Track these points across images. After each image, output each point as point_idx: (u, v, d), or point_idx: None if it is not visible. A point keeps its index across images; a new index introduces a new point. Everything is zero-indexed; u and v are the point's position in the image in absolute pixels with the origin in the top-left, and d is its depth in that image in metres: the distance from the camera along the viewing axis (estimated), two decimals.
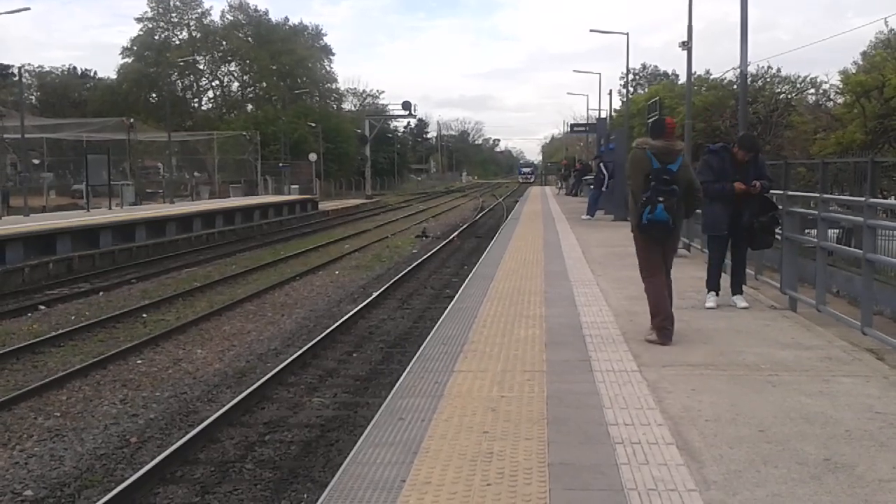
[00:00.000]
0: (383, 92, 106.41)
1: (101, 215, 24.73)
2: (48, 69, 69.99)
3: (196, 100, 76.85)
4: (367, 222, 34.46)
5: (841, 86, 35.99)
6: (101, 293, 15.51)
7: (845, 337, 6.61)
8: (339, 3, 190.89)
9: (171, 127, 45.90)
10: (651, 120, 10.28)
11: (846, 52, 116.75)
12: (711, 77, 47.76)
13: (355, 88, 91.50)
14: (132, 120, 41.73)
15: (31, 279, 16.93)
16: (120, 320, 12.53)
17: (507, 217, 26.57)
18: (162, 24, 73.19)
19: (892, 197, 17.40)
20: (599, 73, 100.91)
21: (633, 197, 6.62)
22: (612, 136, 25.45)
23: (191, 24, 73.88)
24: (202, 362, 10.00)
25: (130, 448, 7.02)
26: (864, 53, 42.36)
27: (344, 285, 16.29)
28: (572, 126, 55.33)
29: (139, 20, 72.56)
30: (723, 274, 8.19)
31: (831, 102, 39.71)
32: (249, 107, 73.82)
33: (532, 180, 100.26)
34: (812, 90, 43.60)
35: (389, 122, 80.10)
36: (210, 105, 77.10)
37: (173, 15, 73.20)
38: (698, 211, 8.45)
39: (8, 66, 39.19)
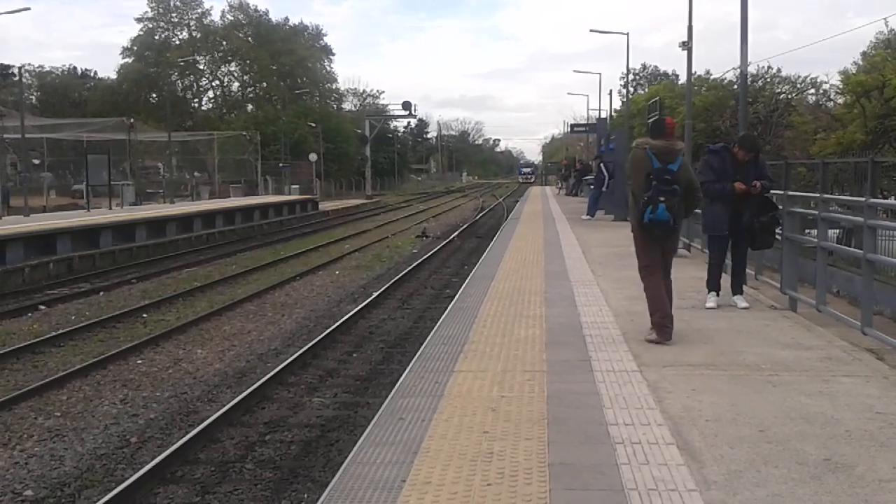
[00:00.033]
0: (383, 92, 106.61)
1: (102, 215, 24.74)
2: (48, 69, 70.14)
3: (196, 100, 76.91)
4: (368, 222, 34.46)
5: (841, 86, 36.02)
6: (101, 293, 15.51)
7: (845, 337, 6.61)
8: (339, 4, 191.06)
9: (172, 127, 45.91)
10: (651, 120, 10.28)
11: (846, 52, 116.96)
12: (712, 77, 47.79)
13: (355, 88, 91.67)
14: (132, 120, 41.77)
15: (32, 279, 16.93)
16: (120, 320, 12.53)
17: (507, 217, 26.57)
18: (162, 24, 73.22)
19: (893, 197, 17.39)
20: (600, 74, 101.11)
21: (633, 197, 6.63)
22: (612, 136, 25.45)
23: (191, 24, 73.92)
24: (202, 362, 10.00)
25: (131, 448, 7.02)
26: (864, 53, 42.43)
27: (344, 285, 16.29)
28: (572, 126, 55.40)
29: (139, 20, 72.74)
30: (723, 274, 8.19)
31: (831, 102, 39.73)
32: (250, 107, 73.83)
33: (532, 180, 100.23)
34: (812, 90, 43.64)
35: (390, 123, 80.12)
36: (210, 105, 77.18)
37: (173, 15, 73.24)
38: (698, 211, 8.46)
39: (8, 66, 39.07)
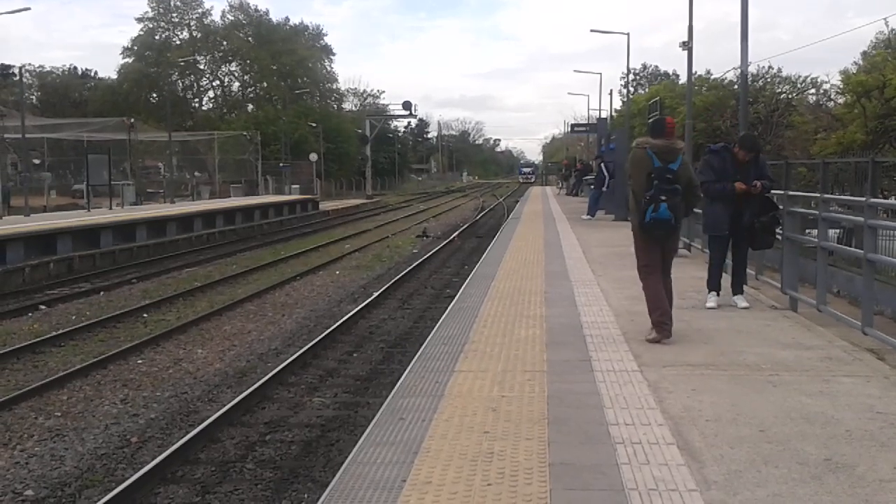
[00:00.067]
0: (384, 92, 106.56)
1: (102, 215, 24.74)
2: (49, 69, 70.10)
3: (196, 100, 76.86)
4: (368, 222, 34.46)
5: (841, 86, 35.99)
6: (101, 293, 15.51)
7: (846, 337, 6.61)
8: (339, 4, 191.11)
9: (172, 127, 45.91)
10: (651, 119, 10.29)
11: (846, 52, 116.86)
12: (712, 77, 47.75)
13: (356, 88, 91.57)
14: (133, 120, 41.78)
15: (32, 279, 16.94)
16: (120, 320, 12.53)
17: (507, 217, 26.57)
18: (162, 24, 73.17)
19: (893, 197, 17.38)
20: (600, 73, 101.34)
21: (634, 196, 6.62)
22: (612, 136, 25.45)
23: (191, 24, 73.86)
24: (203, 362, 10.00)
25: (131, 448, 7.02)
26: (864, 53, 42.41)
27: (344, 285, 16.29)
28: (573, 126, 55.37)
29: (140, 20, 72.63)
30: (723, 274, 8.18)
31: (832, 102, 39.69)
32: (250, 107, 73.80)
33: (533, 180, 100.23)
34: (813, 90, 43.57)
35: (390, 122, 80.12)
36: (211, 105, 77.13)
37: (174, 15, 73.19)
38: (698, 211, 8.46)
39: (9, 66, 39.18)
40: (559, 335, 6.73)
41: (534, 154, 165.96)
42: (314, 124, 60.78)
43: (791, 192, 9.07)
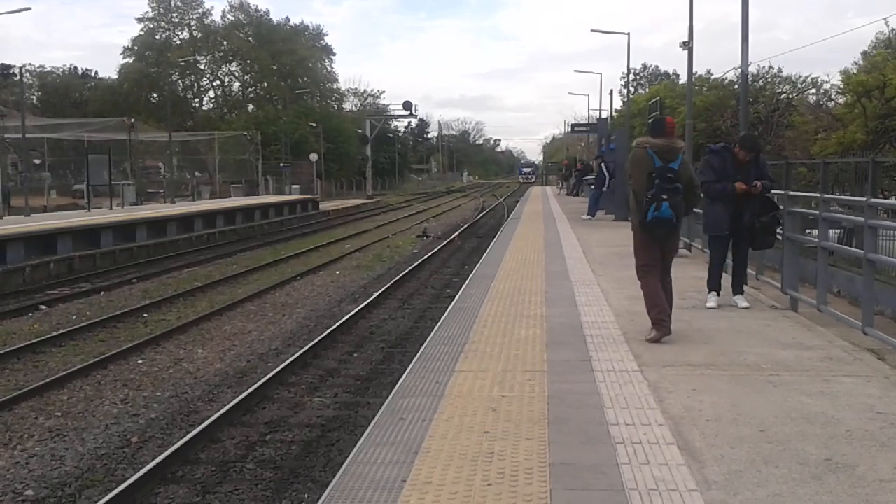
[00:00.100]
0: (384, 92, 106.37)
1: (102, 215, 24.74)
2: (49, 69, 70.04)
3: (197, 100, 76.85)
4: (368, 222, 34.47)
5: (842, 86, 36.00)
6: (101, 293, 15.52)
7: (846, 337, 6.61)
8: (339, 4, 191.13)
9: (172, 127, 45.88)
10: (651, 119, 10.29)
11: (846, 52, 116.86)
12: (712, 77, 47.77)
13: (356, 88, 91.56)
14: (133, 120, 41.77)
15: (32, 279, 16.94)
16: (121, 320, 12.53)
17: (507, 217, 26.57)
18: (163, 24, 73.16)
19: (893, 197, 17.39)
20: (600, 73, 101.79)
21: (634, 196, 6.63)
22: (612, 136, 25.44)
23: (192, 24, 73.85)
24: (203, 362, 10.00)
25: (131, 448, 7.02)
26: (864, 53, 42.40)
27: (345, 285, 16.29)
28: (573, 126, 55.34)
29: (140, 20, 72.59)
30: (724, 274, 8.18)
31: (832, 102, 39.70)
32: (250, 107, 73.80)
33: (533, 180, 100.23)
34: (813, 90, 43.58)
35: (390, 122, 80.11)
36: (211, 105, 77.11)
37: (174, 15, 73.19)
38: (698, 210, 8.45)
39: (9, 66, 39.17)
40: (559, 335, 6.73)
41: (534, 154, 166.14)
42: (314, 124, 60.79)
43: (791, 192, 9.07)
